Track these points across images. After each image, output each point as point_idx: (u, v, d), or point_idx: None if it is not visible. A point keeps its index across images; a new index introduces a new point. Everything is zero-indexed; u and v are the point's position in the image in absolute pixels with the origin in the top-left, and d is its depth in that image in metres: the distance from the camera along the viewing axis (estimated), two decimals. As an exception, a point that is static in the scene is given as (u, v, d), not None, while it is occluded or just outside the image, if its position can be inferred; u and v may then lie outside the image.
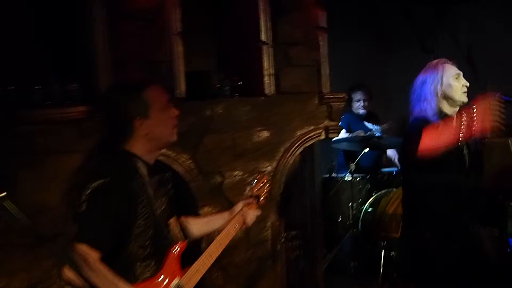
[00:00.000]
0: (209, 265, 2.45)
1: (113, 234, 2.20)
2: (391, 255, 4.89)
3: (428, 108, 3.29)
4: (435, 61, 3.49)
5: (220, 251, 2.50)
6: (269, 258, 4.03)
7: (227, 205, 3.85)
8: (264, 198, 2.74)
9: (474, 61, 6.12)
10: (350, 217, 5.17)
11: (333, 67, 4.29)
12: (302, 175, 4.54)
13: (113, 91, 2.50)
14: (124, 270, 2.23)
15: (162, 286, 2.30)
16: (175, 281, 2.32)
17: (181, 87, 3.70)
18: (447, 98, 3.30)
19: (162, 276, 2.32)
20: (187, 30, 3.72)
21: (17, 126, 3.26)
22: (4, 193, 1.70)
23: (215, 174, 3.85)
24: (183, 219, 2.68)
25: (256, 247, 3.97)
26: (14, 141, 3.24)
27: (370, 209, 5.15)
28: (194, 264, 2.41)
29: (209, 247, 2.47)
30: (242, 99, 3.95)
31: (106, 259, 2.18)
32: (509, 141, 5.01)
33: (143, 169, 2.32)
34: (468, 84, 3.38)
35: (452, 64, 3.42)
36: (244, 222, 2.58)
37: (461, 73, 3.42)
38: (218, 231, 2.55)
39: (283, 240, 4.13)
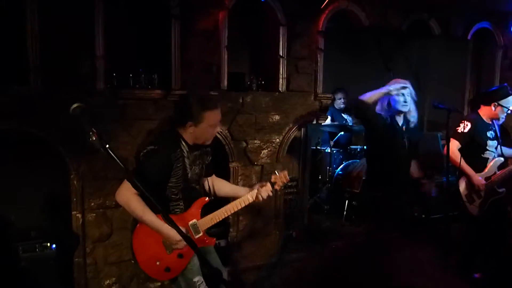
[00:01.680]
0: (221, 218, 2.43)
1: (150, 181, 2.21)
2: (352, 203, 4.95)
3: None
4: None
5: (233, 212, 2.46)
6: (273, 199, 4.06)
7: (248, 162, 3.92)
8: (278, 186, 2.55)
9: (419, 78, 6.07)
10: (328, 176, 5.22)
11: (325, 74, 4.28)
12: (298, 146, 4.57)
13: (190, 96, 2.43)
14: (163, 204, 2.30)
15: (183, 221, 2.35)
16: (193, 221, 2.37)
17: (225, 82, 3.73)
18: None
19: (185, 216, 2.37)
20: (232, 45, 3.73)
21: (117, 100, 3.30)
22: (108, 145, 1.73)
23: (242, 141, 3.88)
24: (216, 179, 2.65)
25: (265, 191, 4.03)
26: (115, 110, 3.29)
27: (341, 172, 5.19)
28: (211, 214, 2.42)
29: (226, 206, 2.44)
30: (264, 93, 3.95)
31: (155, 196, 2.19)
32: (438, 134, 5.01)
33: (184, 146, 2.35)
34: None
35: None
36: (257, 197, 2.47)
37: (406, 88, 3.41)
38: (235, 198, 2.50)
39: (282, 188, 4.15)
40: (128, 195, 2.22)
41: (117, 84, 3.37)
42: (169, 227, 2.23)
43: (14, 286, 2.97)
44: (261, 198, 2.47)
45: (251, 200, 2.47)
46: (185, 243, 2.25)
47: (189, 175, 2.37)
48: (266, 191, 2.48)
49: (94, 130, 1.78)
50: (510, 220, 3.87)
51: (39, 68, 3.01)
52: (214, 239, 2.52)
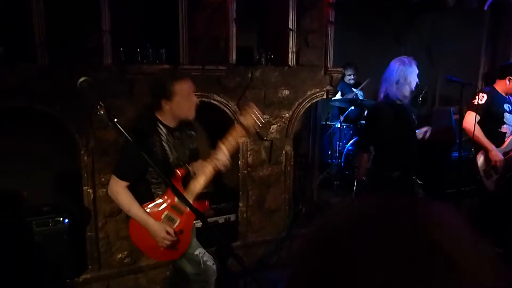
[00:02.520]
0: (205, 181, 2.36)
1: (134, 170, 2.28)
2: (362, 178, 4.92)
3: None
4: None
5: (204, 181, 2.36)
6: (282, 174, 4.07)
7: (257, 137, 3.89)
8: (254, 127, 2.38)
9: (431, 52, 5.94)
10: (338, 151, 5.19)
11: (335, 49, 4.20)
12: (308, 121, 4.54)
13: (157, 79, 2.47)
14: (145, 190, 2.34)
15: (168, 201, 2.35)
16: (165, 213, 2.35)
17: (233, 56, 3.65)
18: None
19: (166, 196, 2.37)
20: (240, 18, 3.64)
21: (125, 75, 3.26)
22: (116, 119, 1.73)
23: (251, 116, 3.84)
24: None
25: (274, 166, 4.02)
26: (122, 85, 3.26)
27: (351, 147, 5.15)
28: (192, 182, 2.37)
29: (197, 178, 2.38)
30: (273, 67, 3.88)
31: (135, 183, 2.31)
32: (451, 108, 4.93)
33: (162, 130, 2.34)
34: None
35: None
36: (217, 166, 2.34)
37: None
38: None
39: (292, 163, 4.14)
40: (116, 189, 2.27)
41: (124, 59, 3.32)
42: (154, 222, 2.29)
43: (29, 259, 3.03)
44: (220, 167, 2.36)
45: (212, 170, 2.36)
46: (169, 240, 2.29)
47: (170, 159, 2.35)
48: (221, 158, 2.35)
49: (102, 104, 1.77)
50: None
51: (45, 44, 2.98)
52: (207, 201, 2.50)
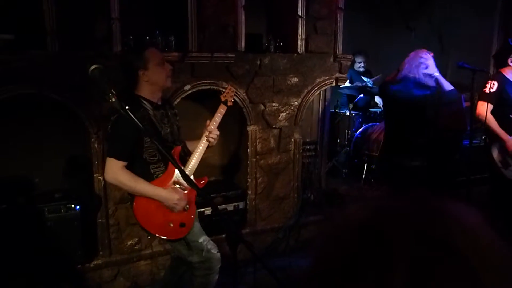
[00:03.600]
0: (199, 160, 2.48)
1: (129, 148, 2.28)
2: (371, 167, 4.92)
3: None
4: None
5: (200, 157, 2.49)
6: (291, 162, 4.08)
7: (266, 125, 3.90)
8: (230, 101, 2.65)
9: (442, 38, 5.87)
10: (346, 139, 5.17)
11: (344, 36, 4.16)
12: (317, 108, 4.52)
13: (125, 54, 2.54)
14: (144, 171, 2.35)
15: (171, 177, 2.40)
16: (176, 172, 2.39)
17: (242, 44, 3.64)
18: None
19: (168, 173, 2.40)
20: (249, 4, 3.61)
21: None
22: (128, 107, 1.73)
23: (260, 104, 3.83)
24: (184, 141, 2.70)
25: (283, 154, 4.03)
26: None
27: (360, 135, 5.14)
28: (188, 160, 2.48)
29: (195, 151, 2.49)
30: (282, 54, 3.86)
31: (132, 166, 2.31)
32: (461, 95, 4.87)
33: (146, 105, 2.37)
34: None
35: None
36: (209, 141, 2.52)
37: None
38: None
39: (301, 151, 4.14)
40: (115, 171, 2.26)
41: (133, 46, 3.31)
42: (163, 189, 2.34)
43: (43, 245, 3.08)
44: (211, 140, 2.52)
45: (206, 145, 2.51)
46: (184, 201, 2.36)
47: (162, 132, 2.40)
48: (213, 133, 2.52)
49: (114, 92, 1.78)
50: None
51: (55, 31, 2.98)
52: (206, 177, 2.58)
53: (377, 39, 6.03)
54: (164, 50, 3.38)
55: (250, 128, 3.85)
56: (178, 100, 3.40)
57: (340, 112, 5.29)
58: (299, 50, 3.87)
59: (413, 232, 0.49)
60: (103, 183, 3.29)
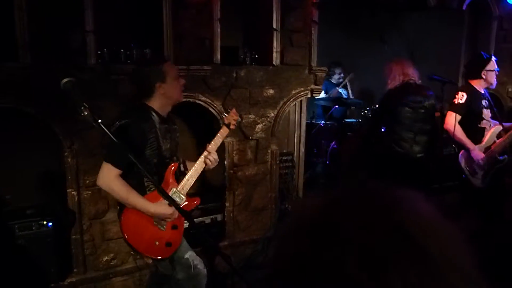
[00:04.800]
0: (194, 180, 2.43)
1: (128, 158, 2.16)
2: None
3: None
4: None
5: (195, 176, 2.45)
6: (268, 173, 4.08)
7: (243, 136, 3.90)
8: (233, 125, 2.67)
9: (414, 51, 6.01)
10: (323, 150, 5.21)
11: (321, 48, 4.23)
12: (293, 120, 4.55)
13: (142, 65, 2.45)
14: (137, 182, 2.28)
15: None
16: (172, 189, 2.35)
17: (218, 56, 3.66)
18: None
19: (163, 187, 2.33)
20: (225, 18, 3.64)
21: (109, 75, 3.23)
22: (101, 120, 1.71)
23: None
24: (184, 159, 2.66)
25: (260, 165, 4.03)
26: (107, 86, 3.22)
27: (335, 146, 5.19)
28: (185, 176, 2.42)
29: (191, 170, 2.44)
30: (258, 67, 3.89)
31: (126, 176, 2.24)
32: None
33: (155, 117, 2.33)
34: None
35: None
36: (206, 163, 2.48)
37: None
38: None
39: (278, 162, 4.16)
40: (110, 178, 2.18)
41: (108, 59, 3.29)
42: (156, 204, 2.27)
43: (12, 264, 2.97)
44: (209, 162, 2.48)
45: (203, 166, 2.48)
46: (177, 212, 2.28)
47: (162, 148, 2.36)
48: (212, 158, 2.49)
49: (86, 105, 1.75)
50: (507, 192, 3.92)
51: (28, 43, 2.93)
52: (198, 198, 2.52)
53: (352, 51, 6.13)
54: (139, 63, 3.37)
55: (227, 140, 3.84)
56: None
57: (316, 122, 5.33)
58: (274, 63, 3.91)
59: (365, 221, 0.50)
60: (77, 198, 3.21)
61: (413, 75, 3.79)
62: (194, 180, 2.44)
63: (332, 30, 5.54)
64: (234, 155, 3.89)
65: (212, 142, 2.52)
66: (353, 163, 4.64)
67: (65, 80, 1.70)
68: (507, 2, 5.37)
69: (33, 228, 3.04)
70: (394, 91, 3.75)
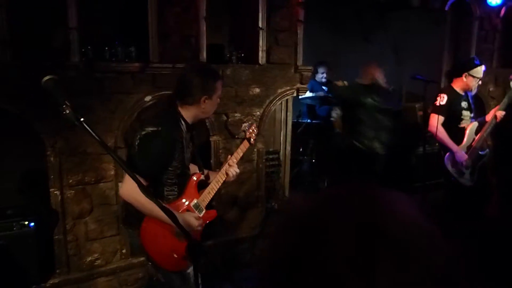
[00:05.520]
0: (216, 190, 2.40)
1: (157, 169, 2.12)
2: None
3: None
4: None
5: (219, 185, 2.41)
6: (254, 172, 4.07)
7: (229, 135, 3.87)
8: (253, 140, 2.64)
9: (398, 50, 6.07)
10: (309, 148, 5.22)
11: (306, 48, 4.23)
12: (279, 118, 4.55)
13: (196, 70, 2.26)
14: (157, 191, 2.16)
15: (185, 205, 2.26)
16: (194, 201, 2.29)
17: (204, 54, 3.62)
18: None
19: (184, 199, 2.27)
20: (211, 16, 3.61)
21: (93, 73, 3.17)
22: (83, 119, 1.66)
23: (223, 114, 3.82)
24: (208, 171, 2.60)
25: (246, 164, 4.01)
26: (91, 83, 3.17)
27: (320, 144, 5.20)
28: (206, 189, 2.37)
29: (212, 182, 2.40)
30: (244, 65, 3.87)
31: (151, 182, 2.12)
32: (415, 105, 5.07)
33: (183, 126, 2.22)
34: None
35: None
36: (227, 175, 2.43)
37: None
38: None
39: (264, 160, 4.15)
40: (135, 189, 1.90)
41: (92, 57, 3.23)
42: (184, 214, 2.19)
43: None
44: (231, 175, 2.44)
45: (224, 177, 2.44)
46: (201, 224, 2.25)
47: (185, 157, 2.27)
48: (232, 170, 2.45)
49: (68, 103, 1.70)
50: (491, 189, 4.00)
51: (8, 40, 2.85)
52: (215, 211, 2.48)
53: (337, 50, 6.16)
54: (124, 61, 3.32)
55: (213, 138, 3.82)
56: (138, 111, 3.33)
57: (302, 121, 5.33)
58: (260, 61, 3.90)
59: (351, 223, 0.51)
60: (60, 197, 3.15)
61: (379, 77, 4.04)
62: (215, 192, 2.40)
63: (317, 30, 5.55)
64: (220, 153, 3.86)
65: (234, 155, 2.50)
66: (320, 159, 4.76)
67: (47, 77, 1.65)
68: (488, 4, 5.45)
69: (14, 228, 2.96)
70: (357, 89, 4.02)
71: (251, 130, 2.64)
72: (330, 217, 0.53)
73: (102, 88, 3.20)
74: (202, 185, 2.42)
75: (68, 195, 3.19)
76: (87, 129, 1.74)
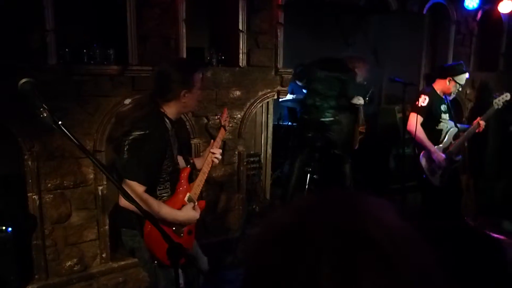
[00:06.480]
0: (203, 183, 2.45)
1: (153, 172, 2.13)
2: (313, 176, 5.03)
3: None
4: None
5: (206, 175, 2.47)
6: (235, 174, 4.11)
7: (209, 138, 3.89)
8: (227, 125, 2.76)
9: (377, 53, 6.18)
10: (290, 150, 5.27)
11: (286, 51, 4.28)
12: (260, 121, 4.59)
13: (171, 65, 2.26)
14: (149, 190, 2.15)
15: (181, 200, 2.30)
16: (187, 195, 2.34)
17: (184, 57, 3.63)
18: None
19: (180, 194, 2.32)
20: (191, 18, 3.63)
21: (71, 76, 3.16)
22: (60, 122, 1.67)
23: (203, 117, 3.84)
24: (193, 158, 2.67)
25: (227, 167, 4.05)
26: (69, 86, 3.15)
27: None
28: (195, 182, 2.41)
29: (199, 174, 2.44)
30: (224, 68, 3.90)
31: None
32: (395, 108, 5.17)
33: (168, 124, 2.23)
34: None
35: None
36: (213, 162, 2.52)
37: None
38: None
39: (245, 163, 4.19)
40: (136, 195, 1.99)
41: (70, 59, 3.22)
42: (182, 211, 2.24)
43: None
44: (216, 160, 2.54)
45: (211, 162, 2.53)
46: (199, 210, 2.36)
47: (174, 154, 2.28)
48: (217, 154, 2.55)
49: (45, 106, 1.71)
50: (462, 189, 4.11)
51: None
52: (204, 201, 2.54)
53: (318, 53, 6.24)
54: (102, 63, 3.32)
55: (194, 141, 3.84)
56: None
57: (282, 124, 5.39)
58: (241, 64, 3.94)
59: (331, 227, 0.52)
60: (38, 202, 3.13)
61: (360, 71, 4.50)
62: (203, 183, 2.45)
63: (298, 32, 5.62)
64: (200, 156, 3.88)
65: (214, 143, 2.57)
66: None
67: (23, 80, 1.66)
68: (465, 8, 5.61)
69: (-9, 234, 2.93)
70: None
71: (225, 117, 2.74)
72: (313, 228, 0.52)
73: (80, 91, 3.20)
74: (191, 177, 2.49)
75: (47, 199, 3.17)
76: (65, 132, 1.75)
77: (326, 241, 0.50)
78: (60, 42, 3.14)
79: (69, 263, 3.32)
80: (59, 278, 3.27)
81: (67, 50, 3.20)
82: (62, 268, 3.29)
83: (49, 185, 3.17)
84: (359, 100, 4.38)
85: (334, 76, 4.45)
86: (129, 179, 2.05)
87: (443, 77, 3.89)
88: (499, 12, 5.78)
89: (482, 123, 3.91)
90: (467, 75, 3.88)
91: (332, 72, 4.48)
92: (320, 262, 0.48)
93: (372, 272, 0.48)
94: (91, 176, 3.33)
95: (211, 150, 2.53)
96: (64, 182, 3.24)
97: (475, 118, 4.03)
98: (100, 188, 3.36)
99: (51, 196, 3.20)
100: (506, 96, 3.94)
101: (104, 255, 3.46)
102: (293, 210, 0.58)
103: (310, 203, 0.60)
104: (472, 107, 5.90)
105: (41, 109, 1.63)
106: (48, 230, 3.21)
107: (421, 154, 3.85)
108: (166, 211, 2.16)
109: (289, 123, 5.29)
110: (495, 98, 4.00)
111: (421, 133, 3.75)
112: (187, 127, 3.76)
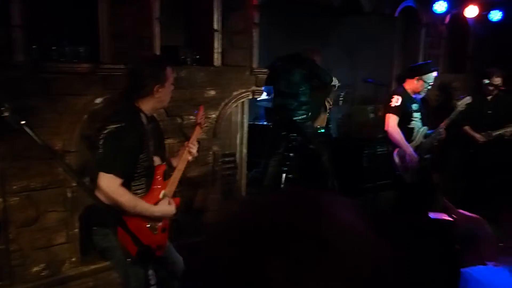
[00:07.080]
0: (178, 181, 2.44)
1: (129, 164, 2.12)
2: (289, 176, 5.03)
3: None
4: None
5: (182, 172, 2.46)
6: (210, 175, 4.06)
7: (184, 138, 3.82)
8: (204, 122, 2.74)
9: (352, 54, 6.24)
10: (265, 150, 5.25)
11: (261, 51, 4.26)
12: (235, 121, 4.54)
13: (142, 62, 2.32)
14: (124, 187, 2.14)
15: (156, 196, 2.29)
16: (162, 192, 2.31)
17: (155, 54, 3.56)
18: None
19: (155, 191, 2.30)
20: (166, 17, 3.57)
21: (39, 74, 3.03)
22: (24, 121, 1.59)
23: (177, 117, 3.77)
24: (168, 157, 2.66)
25: (202, 167, 3.99)
26: (37, 84, 3.02)
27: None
28: (170, 179, 2.40)
29: (174, 172, 2.44)
30: (199, 67, 3.85)
31: None
32: (367, 108, 5.22)
33: (144, 120, 2.25)
34: None
35: None
36: (189, 152, 2.53)
37: None
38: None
39: (220, 163, 4.14)
40: (113, 190, 2.02)
41: (38, 56, 3.09)
42: (158, 206, 2.25)
43: None
44: (192, 156, 2.55)
45: (186, 160, 2.52)
46: (174, 205, 2.34)
47: (150, 149, 2.29)
48: (191, 154, 2.55)
49: (7, 105, 1.62)
50: (435, 186, 4.20)
51: None
52: (179, 198, 2.51)
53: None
54: (73, 61, 3.21)
55: (168, 141, 3.75)
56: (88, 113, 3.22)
57: (258, 124, 5.36)
58: (215, 63, 3.89)
59: (285, 227, 0.51)
60: (2, 205, 2.98)
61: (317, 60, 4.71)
62: (178, 179, 2.43)
63: (274, 32, 5.61)
64: (175, 157, 3.80)
65: (190, 141, 2.55)
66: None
67: (-16, 78, 1.56)
68: (434, 11, 5.72)
69: (-48, 239, 2.77)
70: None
71: (201, 114, 2.71)
72: (267, 227, 0.52)
73: (48, 89, 3.07)
74: (166, 174, 2.45)
75: (12, 202, 3.03)
76: (28, 132, 1.67)
77: (282, 240, 0.49)
78: (28, 39, 3.01)
79: (36, 268, 3.18)
80: (24, 284, 3.12)
81: (34, 47, 3.07)
82: (28, 274, 3.15)
83: (15, 187, 3.03)
84: (336, 82, 4.56)
85: (295, 72, 4.52)
86: (105, 172, 2.04)
87: (412, 76, 3.97)
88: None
89: (444, 132, 3.96)
90: (435, 74, 3.97)
91: (292, 69, 4.62)
92: (270, 262, 0.48)
93: (324, 274, 0.47)
94: (61, 177, 3.20)
95: (188, 144, 2.52)
96: (31, 184, 3.10)
97: (437, 119, 4.10)
98: (69, 189, 3.24)
99: (17, 198, 3.05)
100: (467, 100, 4.05)
101: (74, 259, 3.33)
102: (251, 206, 0.58)
103: (268, 201, 0.59)
104: (435, 107, 6.02)
105: (3, 108, 1.54)
106: (14, 234, 3.07)
107: (395, 151, 3.90)
108: (142, 206, 2.17)
109: (265, 123, 5.26)
110: (460, 100, 4.11)
111: (399, 134, 3.80)
112: (161, 126, 3.67)
